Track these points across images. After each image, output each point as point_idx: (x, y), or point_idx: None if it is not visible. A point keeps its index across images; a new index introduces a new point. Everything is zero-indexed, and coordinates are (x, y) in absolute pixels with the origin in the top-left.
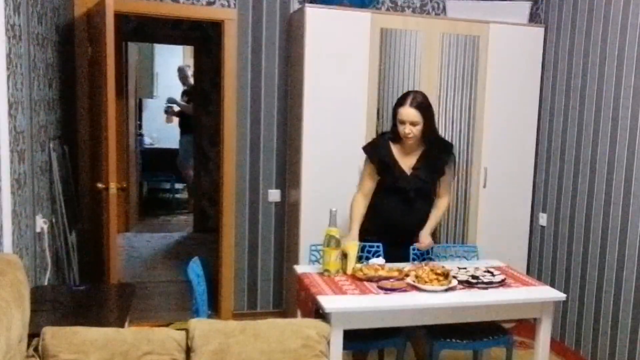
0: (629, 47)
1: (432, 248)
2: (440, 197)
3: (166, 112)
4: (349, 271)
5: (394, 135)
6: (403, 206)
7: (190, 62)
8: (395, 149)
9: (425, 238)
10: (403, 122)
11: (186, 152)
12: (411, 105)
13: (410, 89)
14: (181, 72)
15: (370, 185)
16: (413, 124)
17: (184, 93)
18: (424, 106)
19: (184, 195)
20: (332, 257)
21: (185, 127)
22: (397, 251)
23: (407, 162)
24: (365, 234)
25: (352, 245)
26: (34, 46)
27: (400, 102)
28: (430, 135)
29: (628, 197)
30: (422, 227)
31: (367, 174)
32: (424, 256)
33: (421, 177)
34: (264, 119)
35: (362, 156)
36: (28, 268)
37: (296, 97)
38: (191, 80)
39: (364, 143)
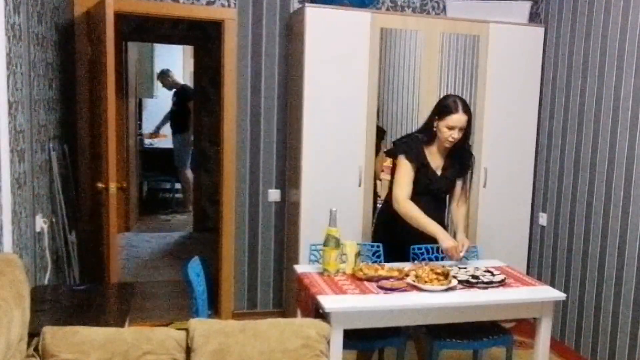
0: (629, 47)
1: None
2: (462, 199)
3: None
4: (349, 271)
5: (429, 138)
6: (434, 206)
7: (190, 62)
8: (426, 151)
9: (466, 242)
10: (453, 128)
11: (179, 151)
12: (463, 111)
13: (409, 89)
14: (163, 76)
15: (411, 189)
16: (462, 129)
17: (174, 95)
18: (470, 110)
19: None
20: (331, 257)
21: (177, 126)
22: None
23: (436, 164)
24: (393, 237)
25: (351, 245)
26: (34, 46)
27: (450, 109)
28: (465, 142)
29: (628, 197)
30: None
31: (409, 178)
32: (424, 256)
33: (449, 177)
34: (264, 119)
35: (362, 156)
36: (28, 268)
37: (296, 96)
38: (178, 80)
39: (364, 143)
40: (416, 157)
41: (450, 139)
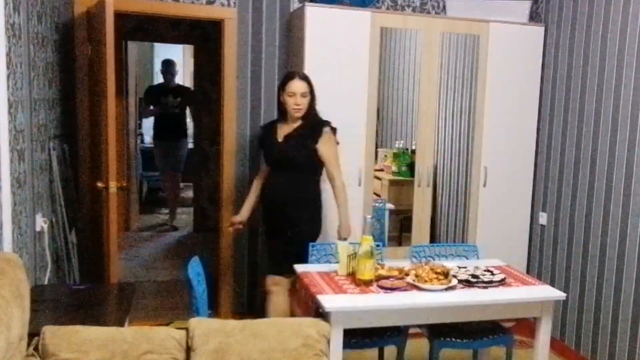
0: (629, 47)
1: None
2: (332, 180)
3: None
4: (340, 272)
5: (281, 115)
6: (282, 177)
7: (191, 61)
8: (278, 128)
9: (344, 225)
10: (294, 94)
11: (174, 154)
12: (299, 78)
13: (409, 88)
14: (168, 67)
15: (263, 168)
16: (303, 95)
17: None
18: (309, 79)
19: (184, 194)
20: (366, 267)
21: (165, 131)
22: (280, 239)
23: (282, 134)
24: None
25: (342, 247)
26: (33, 45)
27: (289, 77)
28: (311, 110)
29: (628, 197)
30: (294, 203)
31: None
32: (423, 255)
33: (291, 145)
34: (264, 119)
35: (362, 156)
36: (28, 267)
37: None
38: (174, 79)
39: (364, 142)
40: (260, 135)
41: (295, 107)
